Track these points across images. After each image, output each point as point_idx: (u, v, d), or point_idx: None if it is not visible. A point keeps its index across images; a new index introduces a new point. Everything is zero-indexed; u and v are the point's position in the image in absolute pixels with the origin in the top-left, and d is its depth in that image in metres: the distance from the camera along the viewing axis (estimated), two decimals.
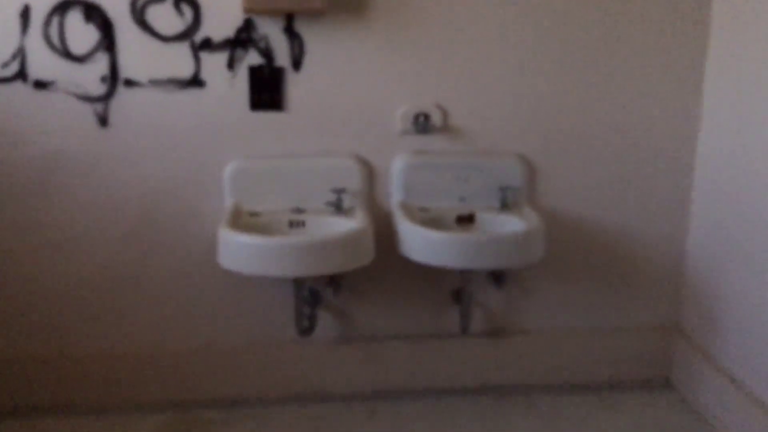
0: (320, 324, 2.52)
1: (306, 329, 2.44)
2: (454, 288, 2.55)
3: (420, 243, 2.21)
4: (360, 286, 2.52)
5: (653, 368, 2.71)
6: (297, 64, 2.33)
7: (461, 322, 2.50)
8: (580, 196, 2.52)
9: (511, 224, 2.34)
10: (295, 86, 2.34)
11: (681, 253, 2.62)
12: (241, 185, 2.38)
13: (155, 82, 2.29)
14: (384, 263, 2.41)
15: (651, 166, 2.51)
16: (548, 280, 2.58)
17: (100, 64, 2.26)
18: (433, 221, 2.36)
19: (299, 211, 2.38)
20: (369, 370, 2.61)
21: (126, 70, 2.28)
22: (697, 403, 2.53)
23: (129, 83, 2.28)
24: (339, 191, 2.35)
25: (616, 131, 2.47)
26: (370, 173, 2.44)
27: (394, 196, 2.46)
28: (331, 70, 2.34)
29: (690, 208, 2.56)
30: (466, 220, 2.40)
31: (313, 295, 2.47)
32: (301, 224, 2.33)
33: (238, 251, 2.13)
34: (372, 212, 2.41)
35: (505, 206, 2.42)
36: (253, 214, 2.36)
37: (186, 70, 2.29)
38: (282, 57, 2.32)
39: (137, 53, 2.27)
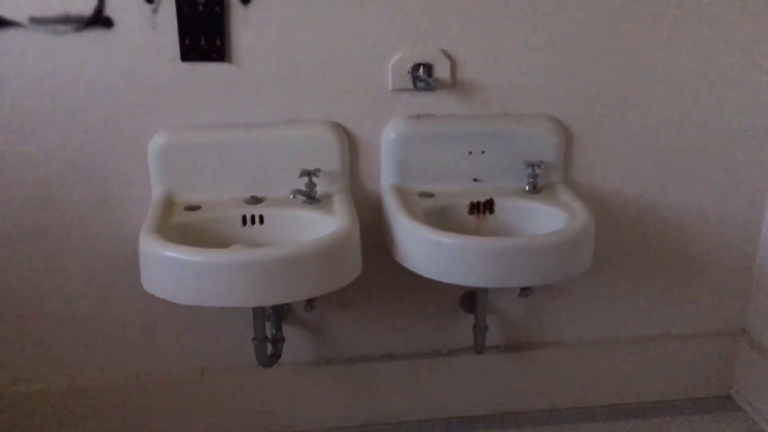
0: (290, 343, 1.90)
1: (269, 357, 1.82)
2: (464, 292, 1.96)
3: (423, 249, 1.58)
4: (341, 294, 1.85)
5: (713, 383, 2.16)
6: None
7: (475, 336, 1.89)
8: (628, 173, 1.89)
9: (546, 215, 1.72)
10: (245, 26, 1.66)
11: (753, 245, 2.03)
12: (173, 167, 1.72)
13: (40, 21, 1.59)
14: (372, 263, 1.79)
15: (721, 137, 1.90)
16: (584, 280, 1.97)
17: None
18: (439, 213, 1.73)
19: (256, 201, 1.73)
20: (353, 399, 2.01)
21: None
22: (766, 421, 2.01)
23: (1, 23, 1.59)
24: (310, 173, 1.71)
25: (679, 90, 1.84)
26: (353, 147, 1.78)
27: (384, 178, 1.82)
28: (297, 1, 1.67)
29: None
30: (482, 209, 1.78)
31: (277, 312, 1.85)
32: (258, 221, 1.69)
33: (165, 272, 1.48)
34: (356, 200, 1.78)
35: (534, 188, 1.80)
36: (191, 208, 1.70)
37: (85, 3, 1.60)
38: None
39: None
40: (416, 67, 1.72)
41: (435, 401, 2.05)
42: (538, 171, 1.79)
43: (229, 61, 1.68)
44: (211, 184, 1.74)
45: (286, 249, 1.48)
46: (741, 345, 2.12)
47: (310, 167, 1.72)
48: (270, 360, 1.82)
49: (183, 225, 1.63)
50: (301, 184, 1.71)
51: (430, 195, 1.78)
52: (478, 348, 1.89)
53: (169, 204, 1.70)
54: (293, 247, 1.48)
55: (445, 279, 1.57)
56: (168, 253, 1.46)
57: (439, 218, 1.72)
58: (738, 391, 2.15)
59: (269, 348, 1.82)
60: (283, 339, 1.85)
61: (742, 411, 2.11)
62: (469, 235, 1.56)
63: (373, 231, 1.80)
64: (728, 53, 1.82)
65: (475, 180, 1.82)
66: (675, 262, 2.02)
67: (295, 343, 1.94)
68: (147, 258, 1.50)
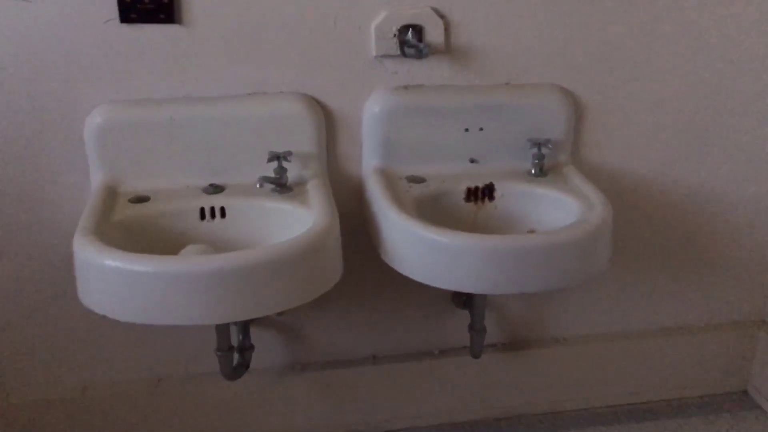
0: (260, 347, 1.66)
1: (235, 368, 1.58)
2: None
3: (416, 249, 1.33)
4: None
5: (729, 378, 1.97)
6: None
7: (472, 339, 1.66)
8: (643, 152, 1.65)
9: (555, 202, 1.48)
10: None
11: None
12: (115, 150, 1.43)
13: None
14: (353, 255, 1.55)
15: (748, 113, 1.66)
16: None
17: None
18: (431, 201, 1.48)
19: (216, 189, 1.46)
20: (333, 408, 1.78)
21: None
22: None
23: None
24: (279, 156, 1.44)
25: (702, 58, 1.59)
26: (329, 124, 1.52)
27: (367, 160, 1.56)
28: None
29: None
30: (480, 196, 1.53)
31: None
32: (219, 214, 1.43)
33: (103, 284, 1.22)
34: (334, 186, 1.52)
35: (540, 170, 1.56)
36: (138, 199, 1.42)
37: None
38: None
39: None
40: (404, 29, 1.44)
41: (425, 406, 1.82)
42: (544, 150, 1.54)
43: (180, 22, 1.39)
44: (162, 170, 1.46)
45: (252, 255, 1.21)
46: (760, 337, 1.92)
47: (280, 149, 1.45)
48: (236, 371, 1.57)
49: (127, 222, 1.36)
50: (270, 169, 1.44)
51: (420, 180, 1.52)
52: (475, 352, 1.66)
53: (111, 195, 1.42)
54: (261, 253, 1.22)
55: (444, 285, 1.33)
56: (106, 262, 1.20)
57: (432, 207, 1.47)
58: (756, 387, 1.96)
59: (235, 358, 1.57)
60: (251, 347, 1.61)
61: (759, 408, 1.93)
62: (476, 234, 1.30)
63: (353, 218, 1.56)
64: (757, 19, 1.57)
65: (472, 161, 1.57)
66: (690, 249, 1.80)
67: (266, 347, 1.70)
68: (82, 267, 1.24)
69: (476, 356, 1.67)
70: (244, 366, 1.59)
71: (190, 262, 1.21)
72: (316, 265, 1.29)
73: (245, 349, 1.59)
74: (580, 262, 1.33)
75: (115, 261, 1.19)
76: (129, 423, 1.69)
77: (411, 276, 1.35)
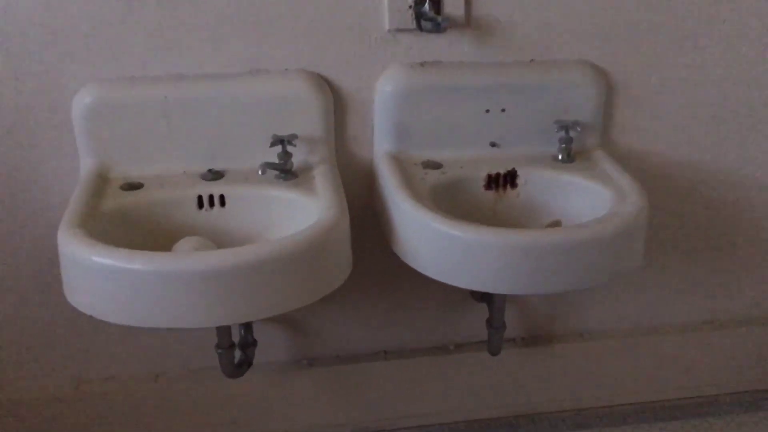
0: (264, 341, 1.56)
1: (237, 366, 1.48)
2: None
3: (433, 244, 1.21)
4: None
5: (760, 375, 1.85)
6: None
7: (490, 337, 1.54)
8: (679, 135, 1.52)
9: (584, 191, 1.36)
10: None
11: None
12: (106, 132, 1.32)
13: None
14: (363, 245, 1.45)
15: None
16: None
17: None
18: (449, 189, 1.36)
19: (215, 175, 1.35)
20: (341, 406, 1.68)
21: None
22: None
23: None
24: (284, 140, 1.33)
25: (748, 30, 1.45)
26: (338, 105, 1.39)
27: (379, 143, 1.43)
28: None
29: None
30: (501, 183, 1.41)
31: None
32: (218, 203, 1.32)
33: (89, 282, 1.12)
34: (343, 172, 1.41)
35: (567, 155, 1.43)
36: (130, 186, 1.31)
37: None
38: None
39: None
40: (420, 0, 1.32)
41: (439, 404, 1.72)
42: (572, 134, 1.41)
43: None
44: (157, 155, 1.35)
45: (251, 252, 1.10)
46: None
47: (284, 132, 1.33)
48: (238, 369, 1.47)
49: (118, 212, 1.26)
50: (273, 154, 1.33)
51: (436, 165, 1.40)
52: (494, 349, 1.55)
53: (100, 182, 1.31)
54: (261, 250, 1.10)
55: (460, 283, 1.21)
56: (92, 259, 1.09)
57: (448, 196, 1.35)
58: None
59: (237, 355, 1.47)
60: (254, 343, 1.50)
61: None
62: (496, 228, 1.17)
63: (364, 206, 1.45)
64: None
65: (493, 145, 1.45)
66: (726, 241, 1.67)
67: (270, 341, 1.59)
68: (66, 263, 1.13)
69: (494, 353, 1.56)
70: (246, 363, 1.49)
71: (182, 259, 1.10)
72: (322, 263, 1.17)
73: (248, 345, 1.49)
74: (612, 259, 1.21)
75: (101, 257, 1.08)
76: (125, 421, 1.60)
77: (424, 272, 1.24)
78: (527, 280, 1.18)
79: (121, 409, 1.59)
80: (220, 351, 1.41)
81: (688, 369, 1.79)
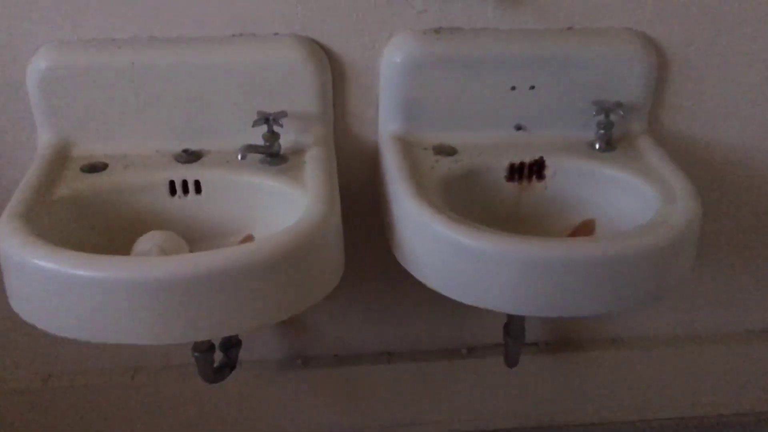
0: (254, 338, 1.40)
1: (218, 370, 1.31)
2: None
3: (437, 252, 1.01)
4: None
5: None
6: None
7: (507, 346, 1.35)
8: (742, 120, 1.28)
9: (624, 187, 1.14)
10: None
11: None
12: (65, 103, 1.13)
13: None
14: (366, 235, 1.26)
15: None
16: None
17: None
18: (463, 181, 1.16)
19: (191, 156, 1.16)
20: (339, 410, 1.52)
21: None
22: None
23: None
24: (269, 118, 1.13)
25: None
26: (337, 77, 1.18)
27: (384, 123, 1.23)
28: None
29: None
30: (526, 173, 1.20)
31: None
32: (193, 189, 1.14)
33: (31, 289, 0.95)
34: (341, 155, 1.21)
35: (607, 143, 1.21)
36: (92, 167, 1.13)
37: None
38: None
39: None
40: None
41: (448, 413, 1.54)
42: (613, 117, 1.19)
43: None
44: (125, 130, 1.16)
45: (216, 260, 0.91)
46: None
47: (271, 109, 1.13)
48: (219, 374, 1.30)
49: (74, 199, 1.07)
50: (258, 134, 1.13)
51: (450, 151, 1.19)
52: (511, 361, 1.36)
53: (60, 161, 1.13)
54: (228, 257, 0.91)
55: (470, 300, 1.01)
56: (31, 260, 0.91)
57: (463, 189, 1.15)
58: None
59: (219, 357, 1.31)
60: (238, 343, 1.33)
61: None
62: (515, 236, 0.96)
63: (368, 193, 1.26)
64: None
65: (519, 128, 1.23)
66: None
67: (260, 336, 1.43)
68: (3, 262, 0.97)
69: (512, 365, 1.36)
70: (228, 367, 1.32)
71: (134, 266, 0.92)
72: (305, 269, 0.99)
73: (230, 346, 1.32)
74: (656, 278, 1.00)
75: (39, 259, 0.91)
76: (99, 419, 1.45)
77: (426, 283, 1.05)
78: (551, 301, 0.98)
79: (95, 406, 1.44)
80: (196, 354, 1.24)
81: (731, 383, 1.59)
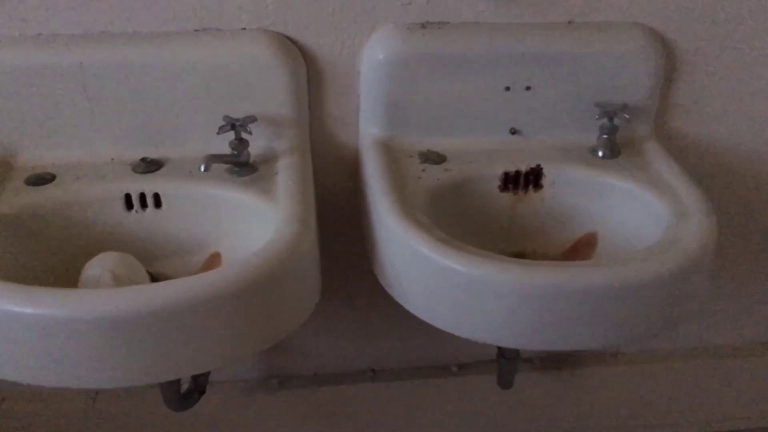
0: None
1: (185, 396, 1.20)
2: None
3: (425, 278, 0.91)
4: None
5: None
6: None
7: (501, 368, 1.24)
8: (760, 122, 1.19)
9: (630, 199, 1.03)
10: None
11: None
12: (8, 105, 1.00)
13: None
14: (347, 242, 1.16)
15: None
16: None
17: None
18: (453, 192, 1.05)
19: (150, 166, 1.04)
20: (323, 429, 1.42)
21: None
22: None
23: None
24: (236, 124, 1.01)
25: None
26: (313, 76, 1.06)
27: (365, 126, 1.11)
28: None
29: None
30: (522, 183, 1.09)
31: None
32: (152, 203, 1.02)
33: None
34: (320, 163, 1.09)
35: (610, 149, 1.10)
36: (39, 179, 1.00)
37: None
38: None
39: None
40: None
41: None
42: (618, 121, 1.08)
43: None
44: (75, 136, 1.04)
45: (167, 292, 0.79)
46: None
47: (239, 112, 1.02)
48: (186, 401, 1.19)
49: (18, 215, 0.95)
50: (224, 140, 1.02)
51: (438, 158, 1.08)
52: (504, 382, 1.25)
53: (1, 172, 1.02)
54: (183, 289, 0.80)
55: (461, 332, 0.91)
56: None
57: (452, 200, 1.04)
58: None
59: (188, 382, 1.20)
60: None
61: None
62: (511, 261, 0.85)
63: (348, 201, 1.15)
64: None
65: (513, 132, 1.12)
66: None
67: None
68: None
69: (506, 387, 1.26)
70: (197, 391, 1.21)
71: (78, 301, 0.80)
72: (278, 298, 0.87)
73: None
74: (667, 306, 0.90)
75: None
76: None
77: (413, 312, 0.94)
78: (548, 335, 0.87)
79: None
80: (160, 382, 1.13)
81: (735, 399, 1.49)
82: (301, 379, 1.37)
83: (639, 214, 1.03)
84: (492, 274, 0.85)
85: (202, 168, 0.97)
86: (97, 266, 0.92)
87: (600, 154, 1.09)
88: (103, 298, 0.80)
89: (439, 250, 0.87)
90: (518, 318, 0.87)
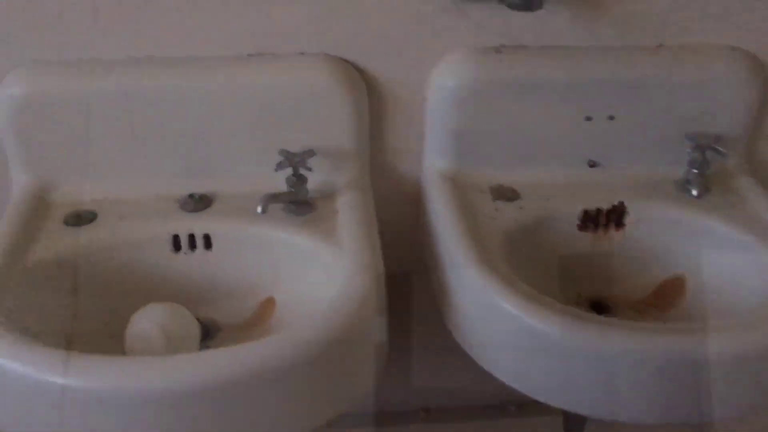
0: None
1: None
2: None
3: (505, 336, 0.81)
4: None
5: None
6: None
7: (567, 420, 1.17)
8: None
9: (724, 243, 0.93)
10: None
11: None
12: (45, 136, 0.92)
13: None
14: (403, 273, 1.07)
15: None
16: None
17: None
18: (531, 232, 0.96)
19: (199, 203, 0.96)
20: None
21: None
22: None
23: None
24: (296, 157, 0.92)
25: None
26: (376, 104, 0.98)
27: (430, 158, 1.01)
28: None
29: None
30: (601, 223, 0.99)
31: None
32: (202, 244, 0.93)
33: None
34: (378, 199, 1.00)
35: (702, 186, 1.00)
36: (78, 217, 0.92)
37: None
38: None
39: None
40: None
41: None
42: (710, 155, 0.98)
43: None
44: (117, 170, 0.96)
45: (237, 359, 0.71)
46: None
47: (294, 143, 0.93)
48: None
49: (58, 261, 0.87)
50: (282, 174, 0.93)
51: (511, 194, 0.98)
52: (573, 426, 1.17)
53: (38, 210, 0.93)
54: (253, 355, 0.72)
55: (556, 403, 0.82)
56: None
57: (529, 242, 0.95)
58: None
59: None
60: None
61: None
62: (621, 324, 0.76)
63: (407, 239, 1.06)
64: None
65: (593, 165, 1.02)
66: None
67: None
68: None
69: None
70: None
71: (122, 372, 0.71)
72: (346, 364, 0.79)
73: None
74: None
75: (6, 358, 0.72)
76: None
77: (495, 375, 0.85)
78: (650, 406, 0.78)
79: None
80: None
81: None
82: (349, 418, 1.28)
83: (734, 258, 0.94)
84: (598, 341, 0.76)
85: (260, 210, 0.88)
86: (146, 319, 0.84)
87: (690, 190, 0.99)
88: (152, 369, 0.72)
89: (531, 311, 0.77)
90: (615, 389, 0.78)
